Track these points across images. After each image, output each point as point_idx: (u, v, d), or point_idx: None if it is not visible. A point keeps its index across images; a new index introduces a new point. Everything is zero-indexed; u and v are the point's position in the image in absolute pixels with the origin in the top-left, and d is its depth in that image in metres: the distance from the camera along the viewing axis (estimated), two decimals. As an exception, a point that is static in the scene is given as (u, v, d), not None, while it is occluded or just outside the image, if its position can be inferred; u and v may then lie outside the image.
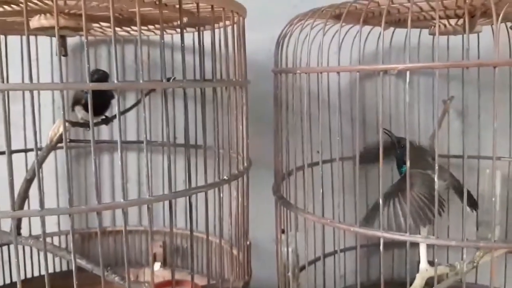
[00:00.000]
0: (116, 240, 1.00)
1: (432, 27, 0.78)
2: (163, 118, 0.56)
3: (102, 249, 0.53)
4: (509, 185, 0.84)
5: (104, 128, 0.93)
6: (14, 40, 0.87)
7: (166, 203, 0.57)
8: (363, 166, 0.82)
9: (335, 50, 0.61)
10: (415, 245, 0.70)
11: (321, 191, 0.67)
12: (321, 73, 0.64)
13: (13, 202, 0.49)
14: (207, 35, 0.62)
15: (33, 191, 0.75)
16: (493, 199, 0.59)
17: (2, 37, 0.87)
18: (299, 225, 0.71)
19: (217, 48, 0.63)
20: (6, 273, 0.90)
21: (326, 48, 0.67)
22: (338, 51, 0.60)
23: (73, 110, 0.79)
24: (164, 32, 0.89)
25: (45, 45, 0.92)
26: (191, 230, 0.60)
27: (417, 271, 0.72)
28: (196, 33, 0.82)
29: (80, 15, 0.52)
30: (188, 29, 0.84)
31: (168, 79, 0.68)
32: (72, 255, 0.52)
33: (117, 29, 0.89)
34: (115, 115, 0.81)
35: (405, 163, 0.57)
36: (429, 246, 0.71)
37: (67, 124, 0.52)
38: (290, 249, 0.72)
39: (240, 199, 0.71)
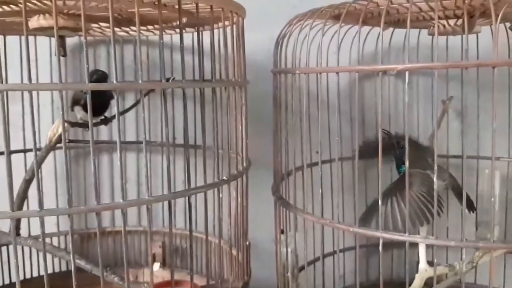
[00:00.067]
0: (115, 240, 1.00)
1: (431, 27, 0.78)
2: (162, 119, 0.56)
3: (101, 250, 0.53)
4: (508, 185, 0.84)
5: (103, 128, 0.93)
6: (13, 41, 0.87)
7: (166, 203, 0.57)
8: (363, 161, 0.83)
9: (334, 50, 0.61)
10: (414, 245, 0.70)
11: (320, 191, 0.67)
12: (320, 73, 0.64)
13: (12, 203, 0.49)
14: (206, 35, 0.62)
15: (32, 191, 0.75)
16: (492, 199, 0.59)
17: (1, 37, 0.87)
18: (299, 225, 0.71)
19: (216, 49, 0.63)
20: (5, 273, 0.90)
21: (325, 49, 0.67)
22: (337, 51, 0.60)
23: (72, 110, 0.79)
24: (163, 33, 0.90)
25: (44, 46, 0.92)
26: (191, 231, 0.60)
27: (416, 271, 0.72)
28: (195, 34, 0.82)
29: (79, 15, 0.52)
30: (187, 29, 0.84)
31: (167, 80, 0.68)
32: (71, 256, 0.52)
33: (116, 29, 0.89)
34: (114, 116, 0.81)
35: (404, 163, 0.57)
36: (428, 246, 0.71)
37: (66, 124, 0.52)
38: (289, 249, 0.72)
39: (239, 199, 0.71)
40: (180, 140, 0.64)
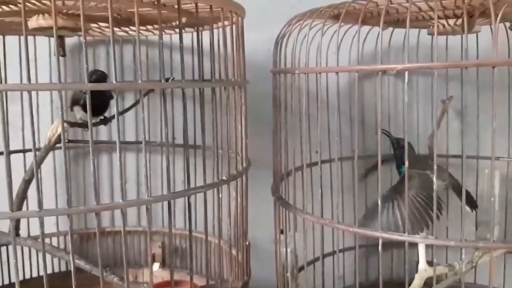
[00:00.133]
0: (115, 240, 1.00)
1: (431, 27, 0.78)
2: (161, 119, 0.56)
3: (101, 250, 0.53)
4: (508, 185, 0.84)
5: (102, 128, 0.93)
6: (12, 41, 0.87)
7: (165, 203, 0.57)
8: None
9: (333, 50, 0.61)
10: (414, 245, 0.70)
11: (320, 191, 0.67)
12: (319, 73, 0.63)
13: (11, 203, 0.49)
14: (206, 35, 0.61)
15: (32, 191, 0.75)
16: (492, 199, 0.59)
17: (0, 37, 0.87)
18: (298, 226, 0.71)
19: (216, 48, 0.63)
20: (5, 273, 0.90)
21: (324, 48, 0.67)
22: (337, 51, 0.60)
23: (71, 110, 0.79)
24: (163, 32, 0.90)
25: (44, 46, 0.92)
26: (190, 231, 0.60)
27: (416, 271, 0.72)
28: (195, 33, 0.82)
29: (79, 15, 0.52)
30: (187, 29, 0.84)
31: (167, 79, 0.68)
32: (70, 256, 0.52)
33: (116, 29, 0.89)
34: (114, 116, 0.81)
35: (404, 163, 0.57)
36: (428, 246, 0.71)
37: (65, 124, 0.52)
38: (289, 250, 0.72)
39: (239, 199, 0.71)
40: (179, 140, 0.64)
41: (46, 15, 0.67)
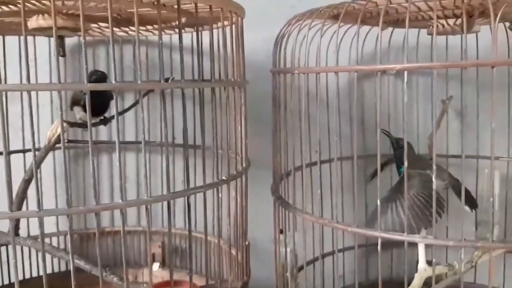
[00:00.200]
0: (114, 240, 1.00)
1: (431, 27, 0.78)
2: (161, 119, 0.56)
3: (101, 250, 0.53)
4: (508, 185, 0.84)
5: (102, 128, 0.93)
6: (12, 41, 0.87)
7: (165, 203, 0.57)
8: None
9: (333, 50, 0.61)
10: (414, 245, 0.70)
11: (320, 191, 0.67)
12: (319, 73, 0.63)
13: (11, 203, 0.49)
14: (205, 35, 0.62)
15: (31, 191, 0.75)
16: (492, 199, 0.59)
17: (0, 37, 0.87)
18: (298, 225, 0.71)
19: (215, 48, 0.63)
20: (5, 273, 0.90)
21: (324, 48, 0.67)
22: (337, 51, 0.60)
23: (71, 110, 0.79)
24: (163, 33, 0.90)
25: (43, 46, 0.92)
26: (190, 231, 0.60)
27: (416, 271, 0.72)
28: (194, 34, 0.82)
29: (78, 15, 0.52)
30: (186, 29, 0.84)
31: (167, 80, 0.68)
32: (70, 256, 0.52)
33: (116, 29, 0.89)
34: (113, 116, 0.81)
35: (403, 163, 0.58)
36: (427, 246, 0.71)
37: (65, 124, 0.52)
38: (288, 249, 0.72)
39: (238, 199, 0.71)
40: (179, 140, 0.65)
41: (46, 15, 0.67)
